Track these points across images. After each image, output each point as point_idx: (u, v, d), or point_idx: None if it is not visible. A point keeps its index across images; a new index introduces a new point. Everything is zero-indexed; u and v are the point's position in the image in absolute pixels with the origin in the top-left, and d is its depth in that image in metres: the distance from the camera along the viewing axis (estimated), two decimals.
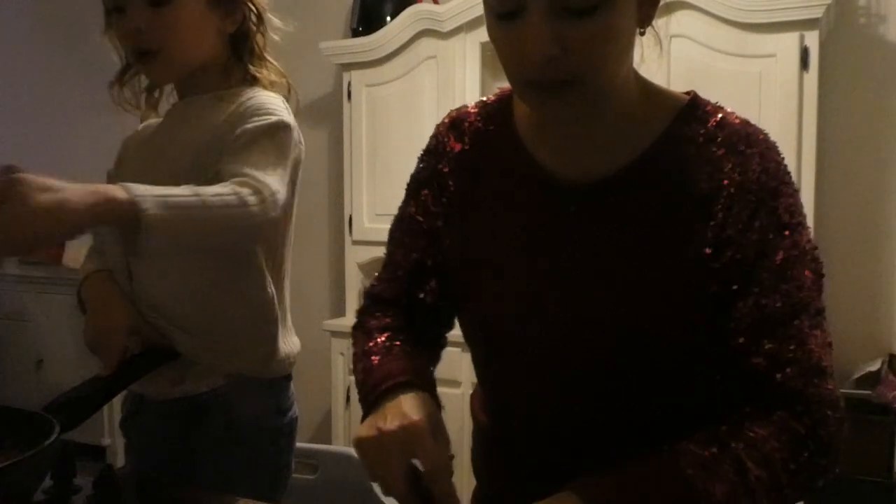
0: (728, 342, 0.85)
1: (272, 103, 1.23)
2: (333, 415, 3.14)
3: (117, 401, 1.35)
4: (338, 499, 1.60)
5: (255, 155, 1.14)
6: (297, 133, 1.23)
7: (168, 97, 1.37)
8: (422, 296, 1.03)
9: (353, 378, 3.33)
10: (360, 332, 1.04)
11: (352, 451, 1.66)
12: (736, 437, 0.80)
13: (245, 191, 1.07)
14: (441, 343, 1.08)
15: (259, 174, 1.10)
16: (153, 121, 1.37)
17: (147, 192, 0.97)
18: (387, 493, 0.83)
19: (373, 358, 0.95)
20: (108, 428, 3.57)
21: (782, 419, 0.81)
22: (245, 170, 1.10)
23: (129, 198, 0.95)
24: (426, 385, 0.90)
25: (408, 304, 1.04)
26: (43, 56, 4.19)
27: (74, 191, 0.92)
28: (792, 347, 0.83)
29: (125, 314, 1.25)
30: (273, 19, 1.33)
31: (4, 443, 0.99)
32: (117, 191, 0.96)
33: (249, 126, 1.17)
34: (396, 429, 0.82)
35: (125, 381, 1.22)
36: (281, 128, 1.19)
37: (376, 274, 1.09)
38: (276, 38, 1.34)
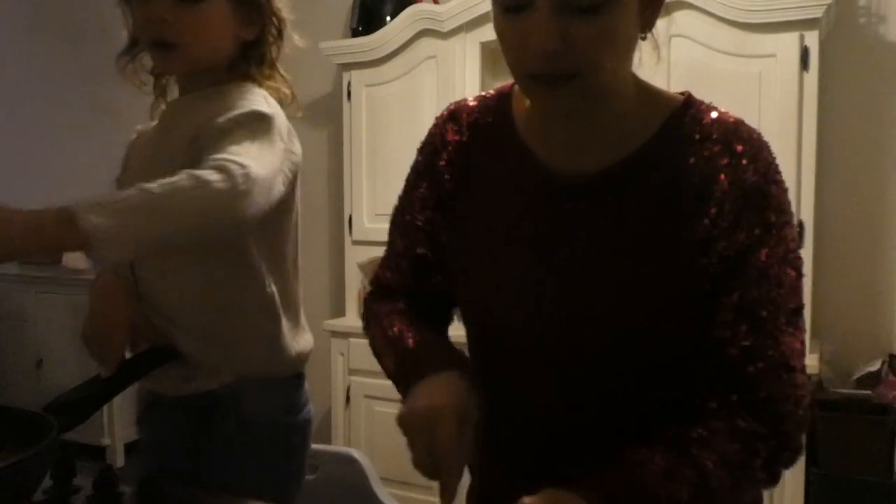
0: (708, 333, 0.88)
1: (248, 98, 1.22)
2: (333, 415, 3.14)
3: (117, 401, 1.35)
4: (338, 499, 1.61)
5: (225, 142, 1.10)
6: (280, 125, 1.20)
7: (175, 86, 1.37)
8: (426, 287, 1.05)
9: (353, 378, 3.34)
10: (376, 319, 1.06)
11: (351, 451, 1.67)
12: (698, 442, 0.83)
13: (205, 171, 1.02)
14: (448, 323, 1.10)
15: (226, 154, 1.06)
16: (154, 123, 1.37)
17: (83, 203, 0.94)
18: (413, 464, 0.86)
19: (408, 343, 0.98)
20: (108, 428, 3.58)
21: (745, 419, 0.85)
22: (213, 155, 1.06)
23: (65, 214, 0.92)
24: (461, 364, 0.93)
25: (415, 294, 1.06)
26: (42, 58, 4.19)
27: (13, 217, 0.92)
28: (766, 343, 0.86)
29: (127, 310, 1.24)
30: (294, 36, 1.33)
31: (4, 443, 0.99)
32: (54, 211, 0.93)
33: (221, 120, 1.15)
34: (423, 408, 0.86)
35: (125, 381, 1.22)
36: (253, 117, 1.16)
37: (381, 258, 1.11)
38: (287, 51, 1.34)
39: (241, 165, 1.04)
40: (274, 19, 1.30)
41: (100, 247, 0.93)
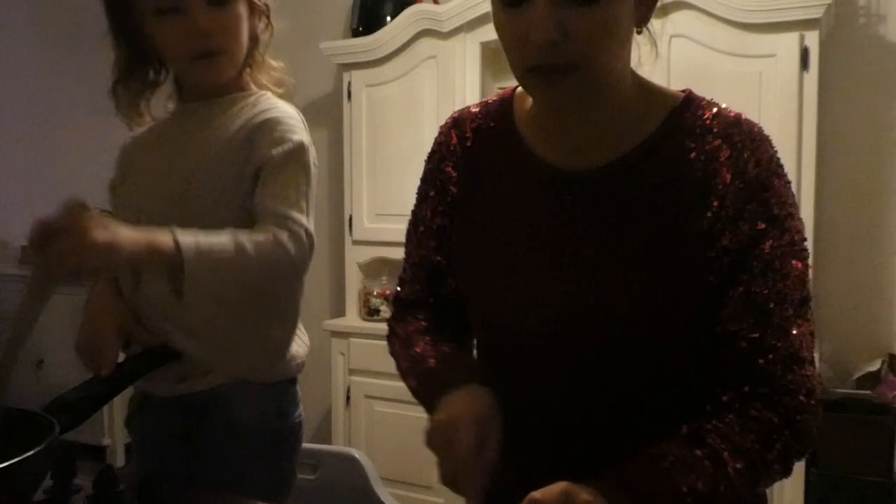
0: (717, 328, 0.88)
1: (290, 118, 1.25)
2: (333, 415, 3.14)
3: (117, 401, 1.35)
4: (338, 499, 1.61)
5: (285, 188, 1.18)
6: (312, 149, 1.26)
7: (155, 102, 1.36)
8: (445, 294, 1.06)
9: (353, 378, 3.34)
10: (400, 340, 1.07)
11: (351, 451, 1.68)
12: (713, 433, 0.84)
13: (283, 234, 1.14)
14: (470, 331, 1.10)
15: (294, 213, 1.17)
16: (147, 127, 1.36)
17: (191, 242, 1.06)
18: (440, 480, 0.87)
19: (429, 361, 0.99)
20: (108, 428, 3.57)
21: (758, 410, 0.85)
22: (280, 208, 1.16)
23: (174, 247, 1.05)
24: (481, 378, 0.93)
25: (434, 303, 1.07)
26: (42, 59, 4.19)
27: (127, 233, 1.03)
28: (775, 335, 0.86)
29: (116, 317, 1.25)
30: (272, 23, 1.34)
31: (4, 443, 0.99)
32: (165, 238, 1.05)
33: (275, 153, 1.19)
34: (443, 420, 0.87)
35: (125, 381, 1.22)
36: (303, 151, 1.22)
37: (399, 277, 1.12)
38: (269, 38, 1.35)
39: (308, 230, 1.17)
40: (265, 7, 1.30)
41: (192, 282, 1.06)
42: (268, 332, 1.29)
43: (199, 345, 1.25)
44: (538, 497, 0.76)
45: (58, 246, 0.99)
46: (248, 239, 1.11)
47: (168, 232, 1.06)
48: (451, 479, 0.85)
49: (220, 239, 1.10)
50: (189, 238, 1.07)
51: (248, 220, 1.19)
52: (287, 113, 1.26)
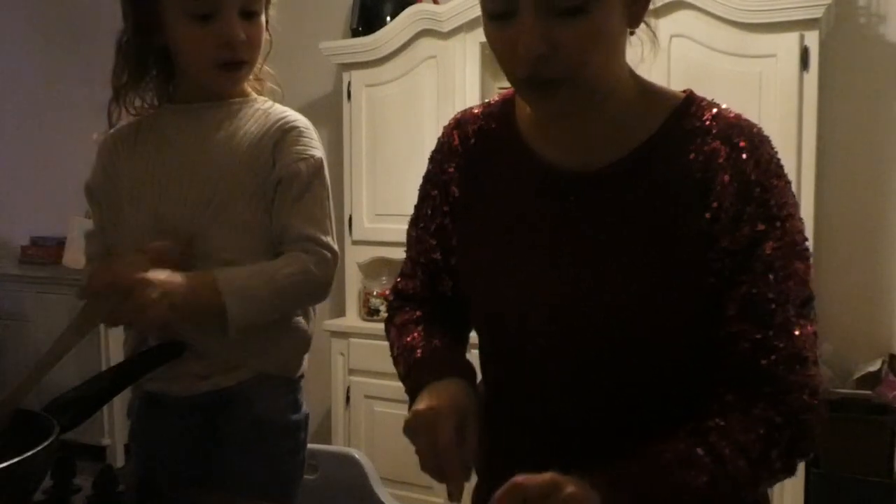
0: (718, 329, 0.88)
1: (308, 129, 1.30)
2: (333, 415, 3.14)
3: (117, 401, 1.35)
4: (338, 499, 1.61)
5: (310, 207, 1.26)
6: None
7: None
8: (441, 291, 1.08)
9: (353, 378, 3.33)
10: (395, 328, 1.09)
11: (351, 451, 1.68)
12: (715, 431, 0.84)
13: (310, 260, 1.23)
14: (467, 331, 1.12)
15: (320, 236, 1.26)
16: (126, 125, 1.34)
17: (233, 290, 1.16)
18: (420, 468, 0.89)
19: (417, 352, 1.01)
20: (108, 428, 3.57)
21: (761, 409, 0.85)
22: (308, 230, 1.25)
23: (219, 298, 1.15)
24: (464, 372, 0.97)
25: (431, 298, 1.09)
26: (42, 59, 4.19)
27: (175, 285, 1.13)
28: (778, 335, 0.86)
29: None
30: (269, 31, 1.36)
31: (4, 443, 0.99)
32: (207, 286, 1.15)
33: (302, 169, 1.25)
34: (423, 411, 0.88)
35: (126, 380, 1.22)
36: (323, 167, 1.30)
37: (400, 269, 1.14)
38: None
39: (334, 251, 1.27)
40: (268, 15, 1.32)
41: (232, 325, 1.17)
42: (297, 325, 1.33)
43: (234, 344, 1.24)
44: (521, 482, 0.75)
45: (114, 300, 1.07)
46: (280, 273, 1.20)
47: (211, 282, 1.15)
48: (432, 466, 0.87)
49: (258, 280, 1.19)
50: (228, 285, 1.16)
51: (267, 223, 1.25)
52: (304, 124, 1.30)
